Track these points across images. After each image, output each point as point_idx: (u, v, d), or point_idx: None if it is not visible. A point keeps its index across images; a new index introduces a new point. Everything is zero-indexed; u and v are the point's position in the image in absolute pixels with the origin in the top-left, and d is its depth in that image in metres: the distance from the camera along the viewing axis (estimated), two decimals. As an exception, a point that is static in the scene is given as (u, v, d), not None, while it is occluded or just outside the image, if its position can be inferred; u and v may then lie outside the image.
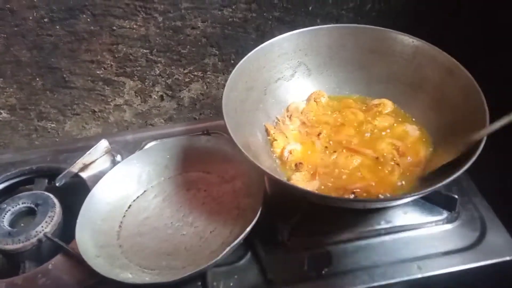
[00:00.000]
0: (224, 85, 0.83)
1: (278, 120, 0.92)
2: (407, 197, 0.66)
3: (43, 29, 0.98)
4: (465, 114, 0.78)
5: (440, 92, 0.84)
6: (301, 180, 0.79)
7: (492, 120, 0.70)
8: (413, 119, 0.90)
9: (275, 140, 0.87)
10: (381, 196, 0.75)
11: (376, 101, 0.93)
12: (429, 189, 0.65)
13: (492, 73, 0.88)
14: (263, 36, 1.06)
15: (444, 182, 0.65)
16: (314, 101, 0.94)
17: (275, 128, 0.90)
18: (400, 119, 0.90)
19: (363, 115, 0.91)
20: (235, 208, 0.82)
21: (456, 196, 0.79)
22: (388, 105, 0.92)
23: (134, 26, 1.00)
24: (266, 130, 0.89)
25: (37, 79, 1.04)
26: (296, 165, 0.82)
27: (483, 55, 0.98)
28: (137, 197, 0.87)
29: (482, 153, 0.68)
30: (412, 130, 0.87)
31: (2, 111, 1.07)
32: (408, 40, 0.89)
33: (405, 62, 0.90)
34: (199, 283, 0.73)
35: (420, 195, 0.68)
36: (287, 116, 0.92)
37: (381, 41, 0.92)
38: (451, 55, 0.84)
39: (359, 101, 0.95)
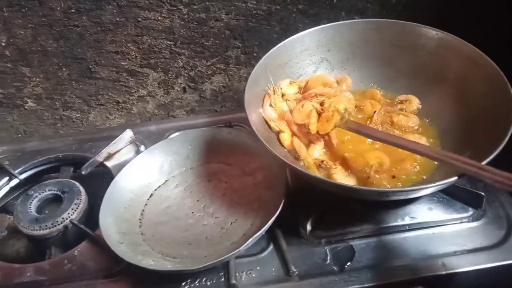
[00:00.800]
0: (246, 78, 0.84)
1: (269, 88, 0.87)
2: (432, 186, 0.64)
3: (69, 20, 0.99)
4: (489, 106, 0.76)
5: (466, 85, 0.82)
6: (341, 177, 0.78)
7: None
8: (427, 120, 0.87)
9: (282, 131, 0.84)
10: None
11: (402, 97, 0.91)
12: (453, 179, 0.64)
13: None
14: (287, 29, 1.06)
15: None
16: (336, 83, 0.93)
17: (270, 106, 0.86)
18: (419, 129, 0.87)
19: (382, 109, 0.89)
20: (256, 200, 0.82)
21: (483, 193, 0.78)
22: (414, 102, 0.89)
23: (159, 17, 1.01)
24: (267, 123, 0.85)
25: (63, 69, 1.06)
26: (319, 165, 0.80)
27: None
28: (159, 187, 0.88)
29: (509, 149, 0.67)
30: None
31: (28, 100, 1.09)
32: (431, 33, 0.88)
33: (429, 55, 0.88)
34: (222, 273, 0.74)
35: (446, 184, 0.66)
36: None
37: (404, 35, 0.91)
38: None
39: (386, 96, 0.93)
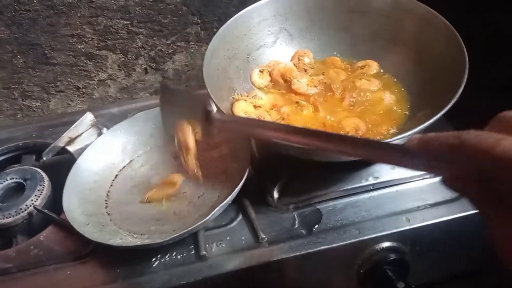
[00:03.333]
0: (209, 55, 0.82)
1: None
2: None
3: (20, 4, 0.96)
4: (445, 63, 0.77)
5: (422, 45, 0.84)
6: None
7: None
8: (395, 80, 0.88)
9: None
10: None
11: (361, 63, 0.92)
12: (410, 132, 0.65)
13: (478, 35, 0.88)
14: (245, 2, 1.04)
15: (423, 126, 0.64)
16: (298, 59, 0.93)
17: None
18: (382, 85, 0.88)
19: (346, 75, 0.91)
20: (222, 173, 0.82)
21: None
22: (373, 66, 0.91)
23: (113, -4, 0.99)
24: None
25: (18, 56, 1.03)
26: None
27: (470, 16, 0.97)
28: (123, 167, 0.87)
29: (468, 105, 0.68)
30: (388, 98, 0.84)
31: (-16, 91, 1.06)
32: (385, -5, 0.89)
33: (385, 18, 0.89)
34: (191, 246, 0.74)
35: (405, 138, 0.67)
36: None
37: (359, 0, 0.91)
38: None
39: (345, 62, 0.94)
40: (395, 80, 0.89)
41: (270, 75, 0.92)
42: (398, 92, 0.86)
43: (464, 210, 0.75)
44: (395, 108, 0.83)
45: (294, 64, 0.93)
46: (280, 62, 0.93)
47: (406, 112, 0.83)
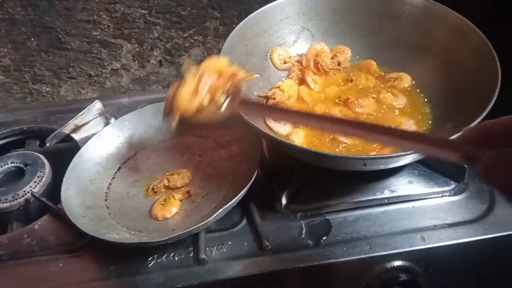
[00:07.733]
0: (226, 52, 0.79)
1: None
2: (410, 153, 0.61)
3: (37, -15, 0.94)
4: (475, 76, 0.73)
5: (451, 54, 0.79)
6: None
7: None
8: (422, 95, 0.83)
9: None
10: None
11: (394, 74, 0.87)
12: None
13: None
14: (268, -1, 1.01)
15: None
16: (335, 55, 0.89)
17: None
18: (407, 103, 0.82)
19: (375, 83, 0.86)
20: (230, 174, 0.79)
21: (466, 166, 0.75)
22: (405, 80, 0.85)
23: (132, -17, 0.96)
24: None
25: (32, 39, 1.01)
26: None
27: (501, 23, 0.92)
28: (128, 159, 0.83)
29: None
30: (408, 126, 0.78)
31: (-5, 72, 1.04)
32: (416, 1, 0.84)
33: (414, 24, 0.85)
34: (191, 248, 0.70)
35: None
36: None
37: (388, 3, 0.87)
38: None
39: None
40: (422, 95, 0.83)
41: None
42: (421, 114, 0.80)
43: (485, 233, 0.70)
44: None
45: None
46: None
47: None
